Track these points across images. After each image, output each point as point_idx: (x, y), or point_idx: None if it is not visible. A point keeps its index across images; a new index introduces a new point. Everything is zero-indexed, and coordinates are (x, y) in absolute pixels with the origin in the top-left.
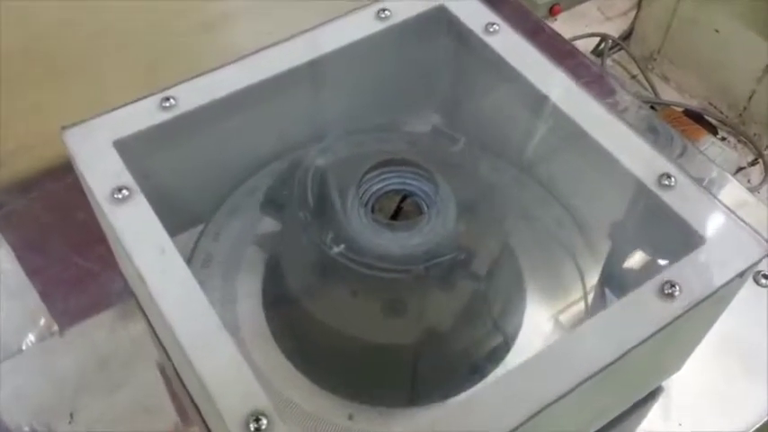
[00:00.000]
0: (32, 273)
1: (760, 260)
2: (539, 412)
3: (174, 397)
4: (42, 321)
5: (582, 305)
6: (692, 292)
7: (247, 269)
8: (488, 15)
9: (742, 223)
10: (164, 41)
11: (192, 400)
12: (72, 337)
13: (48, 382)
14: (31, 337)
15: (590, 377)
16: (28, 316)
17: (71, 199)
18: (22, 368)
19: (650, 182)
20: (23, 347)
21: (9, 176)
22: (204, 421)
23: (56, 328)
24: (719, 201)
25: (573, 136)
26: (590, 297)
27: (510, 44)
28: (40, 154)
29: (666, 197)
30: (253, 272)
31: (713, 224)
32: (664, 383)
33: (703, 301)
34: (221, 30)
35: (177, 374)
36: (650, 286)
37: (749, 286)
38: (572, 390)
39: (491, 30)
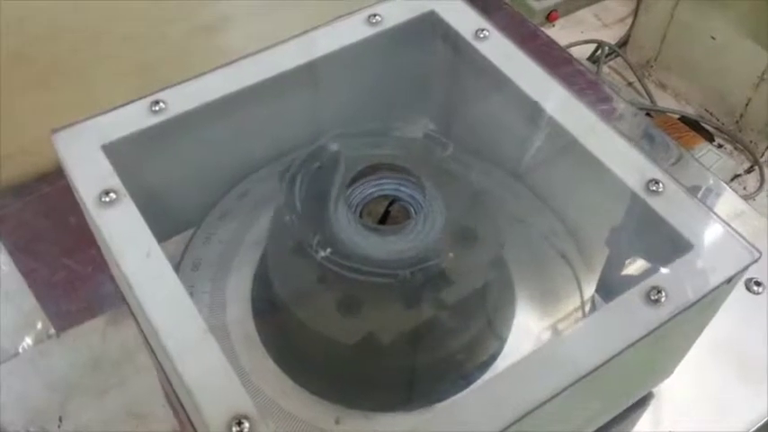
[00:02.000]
0: (28, 276)
1: (747, 267)
2: (523, 416)
3: (167, 401)
4: (39, 324)
5: (572, 309)
6: (679, 297)
7: (237, 273)
8: (479, 21)
9: (730, 229)
10: (160, 46)
11: (180, 403)
12: (68, 341)
13: (44, 385)
14: (28, 340)
15: (575, 382)
16: (25, 319)
17: (66, 203)
18: (19, 371)
19: (638, 188)
20: (20, 350)
21: (4, 180)
22: (192, 424)
23: (53, 331)
24: (708, 207)
25: (562, 141)
26: (586, 302)
27: (500, 50)
28: (34, 158)
29: (654, 203)
30: (242, 276)
31: (701, 230)
32: (654, 389)
33: (690, 307)
34: (218, 33)
35: (166, 377)
36: (636, 292)
37: (741, 293)
38: (557, 394)
39: (481, 35)
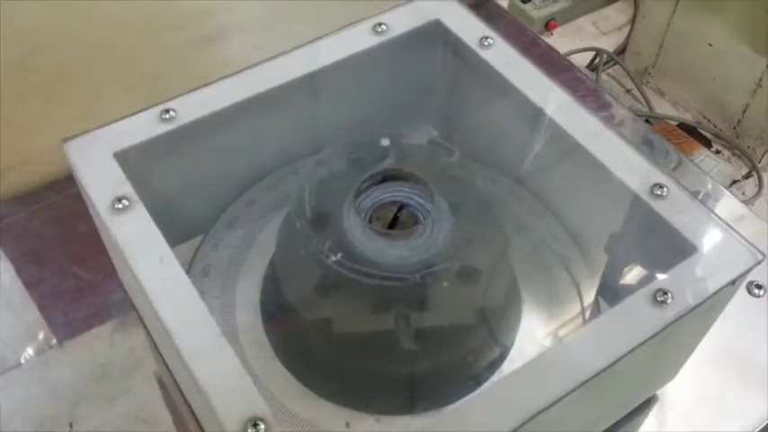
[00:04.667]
0: (32, 285)
1: (751, 269)
2: (531, 418)
3: (171, 408)
4: (41, 335)
5: (576, 313)
6: (684, 299)
7: (246, 279)
8: (483, 29)
9: (733, 232)
10: (163, 55)
11: (190, 409)
12: (71, 350)
13: (47, 394)
14: (30, 351)
15: (582, 384)
16: (27, 329)
17: (71, 212)
18: (22, 381)
19: (643, 192)
20: (22, 361)
21: (9, 189)
22: (202, 430)
23: (54, 341)
24: (711, 210)
25: (566, 147)
26: (587, 305)
27: (504, 57)
28: (39, 167)
29: (658, 207)
30: (251, 281)
31: (705, 233)
32: (658, 392)
33: (695, 308)
34: (220, 43)
35: (175, 383)
36: (643, 294)
37: (743, 296)
38: (564, 397)
39: (485, 43)
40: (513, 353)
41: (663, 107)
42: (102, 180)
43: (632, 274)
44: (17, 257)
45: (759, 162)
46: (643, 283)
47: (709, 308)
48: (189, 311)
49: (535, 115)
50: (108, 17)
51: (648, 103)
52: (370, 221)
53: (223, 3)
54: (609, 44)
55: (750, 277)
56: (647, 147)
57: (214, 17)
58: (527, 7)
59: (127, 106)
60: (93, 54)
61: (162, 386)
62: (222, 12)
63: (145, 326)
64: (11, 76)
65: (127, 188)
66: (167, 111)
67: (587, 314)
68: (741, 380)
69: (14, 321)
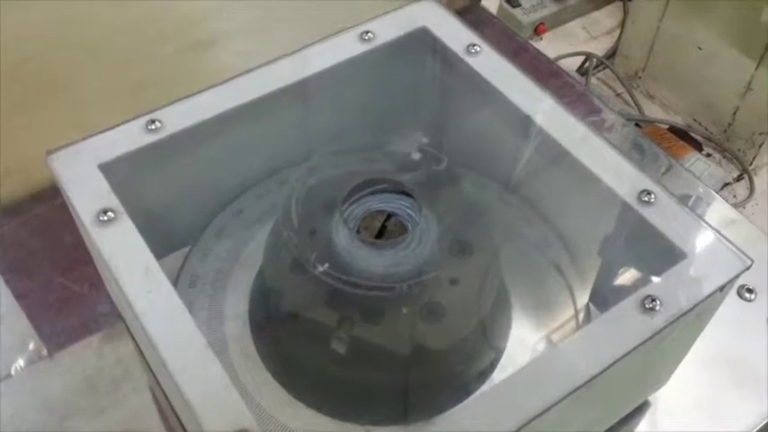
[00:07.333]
0: (21, 296)
1: (740, 274)
2: (522, 427)
3: (161, 419)
4: (32, 345)
5: (566, 320)
6: (673, 306)
7: (234, 290)
8: (470, 36)
9: (722, 238)
10: (153, 64)
11: (179, 421)
12: (61, 361)
13: (38, 405)
14: (21, 362)
15: (572, 392)
16: (17, 340)
17: (59, 222)
18: (12, 392)
19: (631, 198)
20: (12, 372)
21: (6, 196)
22: None
23: (45, 351)
24: (699, 216)
25: (554, 154)
26: (579, 311)
27: (491, 64)
28: (27, 177)
29: (647, 213)
30: (239, 292)
31: (693, 239)
32: (650, 398)
33: (684, 315)
34: (210, 52)
35: (164, 395)
36: (631, 301)
37: (733, 300)
38: (554, 404)
39: (472, 51)
40: (504, 360)
41: (653, 111)
42: (87, 192)
43: (621, 281)
44: (6, 269)
45: (750, 165)
46: (632, 289)
47: (698, 314)
48: (174, 323)
49: (523, 122)
50: (100, 25)
51: (639, 107)
52: (358, 231)
53: (217, 9)
54: (598, 48)
55: (740, 281)
56: (637, 151)
57: (207, 25)
58: (516, 12)
59: (120, 116)
60: (86, 62)
61: (153, 396)
62: (217, 18)
63: (133, 337)
64: (4, 85)
65: (112, 200)
66: (153, 121)
67: (580, 317)
68: (734, 384)
69: (5, 332)
